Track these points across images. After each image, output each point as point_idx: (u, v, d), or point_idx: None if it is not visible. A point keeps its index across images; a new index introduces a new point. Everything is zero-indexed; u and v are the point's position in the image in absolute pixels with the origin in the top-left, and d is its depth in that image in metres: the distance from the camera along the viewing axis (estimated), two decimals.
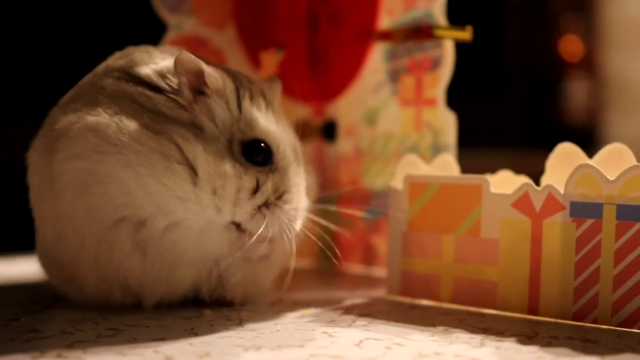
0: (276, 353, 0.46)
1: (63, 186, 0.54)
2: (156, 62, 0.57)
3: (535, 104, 2.25)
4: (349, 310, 0.58)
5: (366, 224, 0.75)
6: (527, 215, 0.56)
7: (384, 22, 0.72)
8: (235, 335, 0.51)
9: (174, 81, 0.55)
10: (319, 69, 0.76)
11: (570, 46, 2.30)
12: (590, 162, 0.55)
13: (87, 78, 0.59)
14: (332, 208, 0.66)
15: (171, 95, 0.55)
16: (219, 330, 0.52)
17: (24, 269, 0.62)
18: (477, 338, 0.50)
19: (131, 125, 0.53)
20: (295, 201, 0.57)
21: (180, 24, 0.76)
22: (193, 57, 0.54)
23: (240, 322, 0.54)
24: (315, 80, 0.77)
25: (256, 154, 0.55)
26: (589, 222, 0.53)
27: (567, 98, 2.29)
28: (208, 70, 0.55)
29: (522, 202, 0.56)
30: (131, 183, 0.52)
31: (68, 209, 0.54)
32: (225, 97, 0.55)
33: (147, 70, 0.56)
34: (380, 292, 0.65)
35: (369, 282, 0.71)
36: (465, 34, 0.68)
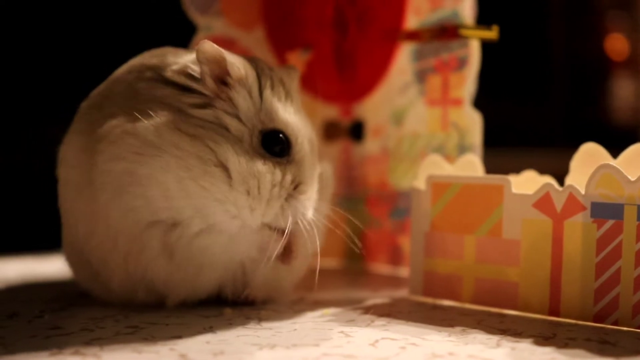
0: (290, 352, 0.47)
1: (102, 186, 0.55)
2: (179, 61, 0.57)
3: (580, 103, 2.22)
4: (369, 310, 0.58)
5: (392, 224, 0.75)
6: (548, 215, 0.55)
7: (411, 22, 0.72)
8: (252, 333, 0.51)
9: (196, 71, 0.55)
10: (346, 69, 0.76)
11: (616, 45, 2.27)
12: (612, 162, 0.55)
13: (121, 75, 0.59)
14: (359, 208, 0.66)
15: (195, 87, 0.55)
16: (236, 328, 0.52)
17: (51, 267, 0.63)
18: (494, 339, 0.50)
19: (167, 129, 0.54)
20: (310, 192, 0.57)
21: (210, 25, 0.77)
22: (215, 45, 0.55)
23: (259, 321, 0.55)
24: (343, 81, 0.77)
25: (275, 144, 0.56)
26: (610, 222, 0.53)
27: (613, 97, 2.26)
28: (230, 58, 0.55)
29: (543, 202, 0.56)
30: (171, 186, 0.53)
31: (104, 208, 0.55)
32: (247, 86, 0.56)
33: (171, 70, 0.56)
34: (403, 293, 0.65)
35: (394, 282, 0.71)
36: (492, 33, 0.68)
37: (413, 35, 0.72)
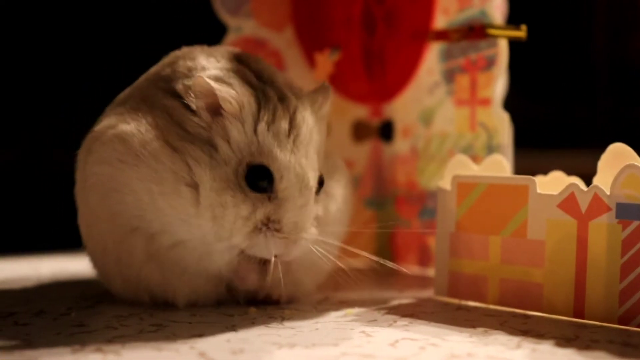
0: (309, 351, 0.47)
1: (91, 188, 0.57)
2: (191, 76, 0.57)
3: (624, 104, 2.20)
4: (392, 310, 0.58)
5: (421, 224, 0.75)
6: (573, 216, 0.55)
7: (440, 21, 0.72)
8: (274, 332, 0.51)
9: (194, 101, 0.56)
10: (374, 69, 0.76)
11: None
12: (639, 162, 0.54)
13: (140, 81, 0.61)
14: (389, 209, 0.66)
15: (193, 115, 0.56)
16: (259, 327, 0.53)
17: (82, 265, 0.64)
18: (515, 340, 0.49)
19: (154, 139, 0.55)
20: (288, 230, 0.55)
21: (240, 26, 0.77)
22: (206, 81, 0.54)
23: (281, 320, 0.55)
24: (372, 81, 0.77)
25: (257, 179, 0.55)
26: (636, 223, 0.52)
27: None
28: (222, 94, 0.54)
29: (568, 203, 0.55)
30: (143, 197, 0.54)
31: (94, 211, 0.57)
32: (241, 119, 0.55)
33: (180, 85, 0.57)
34: (429, 293, 0.65)
35: (421, 282, 0.70)
36: (520, 33, 0.68)
37: (441, 35, 0.71)
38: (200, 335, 0.50)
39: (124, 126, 0.56)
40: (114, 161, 0.55)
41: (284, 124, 0.56)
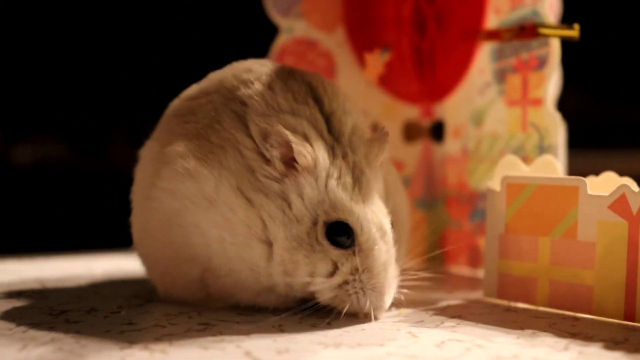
0: (354, 351, 0.47)
1: (154, 210, 0.57)
2: (267, 115, 0.56)
3: None
4: (441, 312, 0.58)
5: (472, 225, 0.74)
6: (624, 217, 0.54)
7: (491, 21, 0.72)
8: (320, 333, 0.52)
9: (269, 149, 0.55)
10: (425, 69, 0.76)
11: None
12: None
13: (212, 89, 0.60)
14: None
15: (266, 163, 0.55)
16: (306, 328, 0.53)
17: (136, 264, 0.65)
18: (563, 342, 0.49)
19: (229, 187, 0.54)
20: (378, 278, 0.54)
21: (292, 27, 0.78)
22: (285, 133, 0.54)
23: (329, 321, 0.55)
24: (422, 81, 0.77)
25: (338, 235, 0.54)
26: None
27: None
28: (298, 148, 0.54)
29: (619, 204, 0.54)
30: (213, 244, 0.55)
31: (152, 227, 0.58)
32: (315, 175, 0.55)
33: (254, 125, 0.56)
34: (478, 295, 0.65)
35: (471, 283, 0.70)
36: (573, 32, 0.67)
37: (493, 35, 0.71)
38: (248, 334, 0.51)
39: (197, 164, 0.55)
40: (184, 199, 0.55)
41: (349, 179, 0.55)
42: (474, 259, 0.74)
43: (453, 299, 0.63)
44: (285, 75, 0.59)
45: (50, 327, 0.52)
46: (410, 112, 0.80)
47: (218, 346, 0.48)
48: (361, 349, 0.48)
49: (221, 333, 0.51)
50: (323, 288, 0.54)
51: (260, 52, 0.79)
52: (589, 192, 0.56)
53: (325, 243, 0.54)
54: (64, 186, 2.01)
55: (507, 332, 0.52)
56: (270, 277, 0.55)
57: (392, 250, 0.56)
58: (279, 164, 0.54)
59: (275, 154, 0.54)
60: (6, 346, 0.47)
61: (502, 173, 0.62)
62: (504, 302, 0.62)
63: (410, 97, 0.79)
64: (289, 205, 0.54)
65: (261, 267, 0.55)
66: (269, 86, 0.58)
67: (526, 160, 0.66)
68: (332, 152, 0.56)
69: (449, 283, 0.71)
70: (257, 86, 0.58)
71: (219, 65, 0.63)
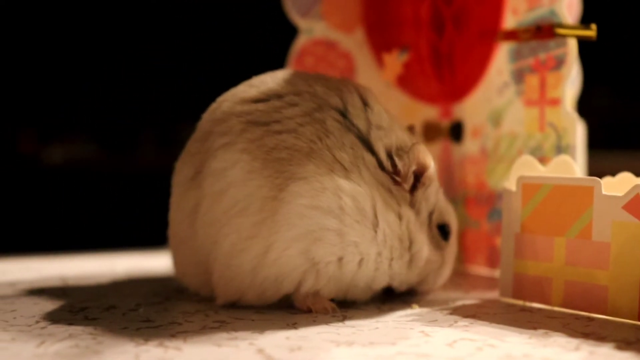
0: (366, 349, 0.47)
1: (288, 222, 0.55)
2: (387, 136, 0.60)
3: None
4: (455, 311, 0.59)
5: (490, 225, 0.75)
6: (638, 218, 0.54)
7: (509, 21, 0.72)
8: (333, 331, 0.52)
9: (398, 162, 0.59)
10: (444, 70, 0.76)
11: None
12: None
13: (288, 96, 0.59)
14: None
15: (394, 176, 0.59)
16: (319, 325, 0.54)
17: (156, 263, 0.66)
18: (574, 342, 0.49)
19: (382, 203, 0.58)
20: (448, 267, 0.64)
21: (311, 27, 0.78)
22: (425, 151, 0.60)
23: (342, 319, 0.55)
24: (441, 81, 0.77)
25: (444, 236, 0.63)
26: None
27: None
28: (432, 170, 0.61)
29: (633, 204, 0.54)
30: (369, 258, 0.57)
31: (276, 241, 0.56)
32: (435, 185, 0.62)
33: (380, 145, 0.59)
34: (495, 294, 0.65)
35: (488, 283, 0.70)
36: (590, 32, 0.67)
37: (510, 35, 0.71)
38: (261, 332, 0.51)
39: (344, 183, 0.56)
40: (343, 216, 0.56)
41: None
42: (492, 259, 0.75)
43: (469, 299, 0.64)
44: (360, 87, 0.63)
45: (69, 324, 0.53)
46: (429, 112, 0.80)
47: (231, 343, 0.48)
48: (373, 347, 0.48)
49: (236, 330, 0.52)
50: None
51: (280, 53, 0.79)
52: (604, 192, 0.56)
53: (440, 239, 0.62)
54: (92, 186, 2.04)
55: (520, 332, 0.52)
56: (407, 280, 0.61)
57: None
58: (411, 178, 0.60)
59: (412, 168, 0.59)
60: (25, 342, 0.48)
61: (518, 173, 0.63)
62: (520, 303, 0.62)
63: (429, 98, 0.79)
64: (418, 214, 0.60)
65: (403, 273, 0.60)
66: (375, 111, 0.62)
67: (544, 160, 0.66)
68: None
69: (466, 283, 0.71)
70: (376, 108, 0.62)
71: (241, 66, 0.64)
